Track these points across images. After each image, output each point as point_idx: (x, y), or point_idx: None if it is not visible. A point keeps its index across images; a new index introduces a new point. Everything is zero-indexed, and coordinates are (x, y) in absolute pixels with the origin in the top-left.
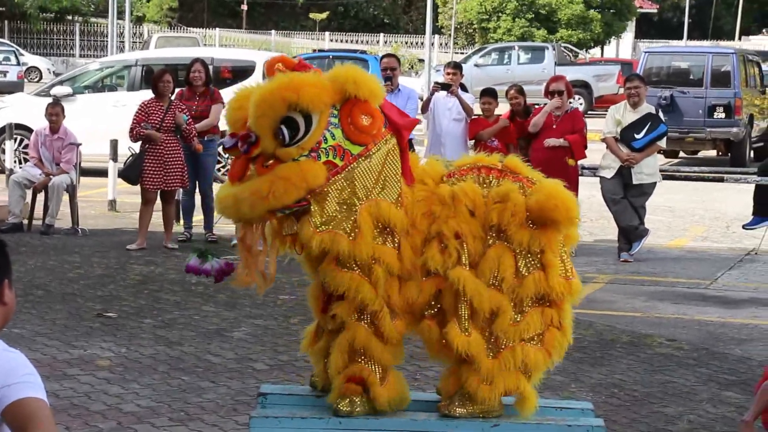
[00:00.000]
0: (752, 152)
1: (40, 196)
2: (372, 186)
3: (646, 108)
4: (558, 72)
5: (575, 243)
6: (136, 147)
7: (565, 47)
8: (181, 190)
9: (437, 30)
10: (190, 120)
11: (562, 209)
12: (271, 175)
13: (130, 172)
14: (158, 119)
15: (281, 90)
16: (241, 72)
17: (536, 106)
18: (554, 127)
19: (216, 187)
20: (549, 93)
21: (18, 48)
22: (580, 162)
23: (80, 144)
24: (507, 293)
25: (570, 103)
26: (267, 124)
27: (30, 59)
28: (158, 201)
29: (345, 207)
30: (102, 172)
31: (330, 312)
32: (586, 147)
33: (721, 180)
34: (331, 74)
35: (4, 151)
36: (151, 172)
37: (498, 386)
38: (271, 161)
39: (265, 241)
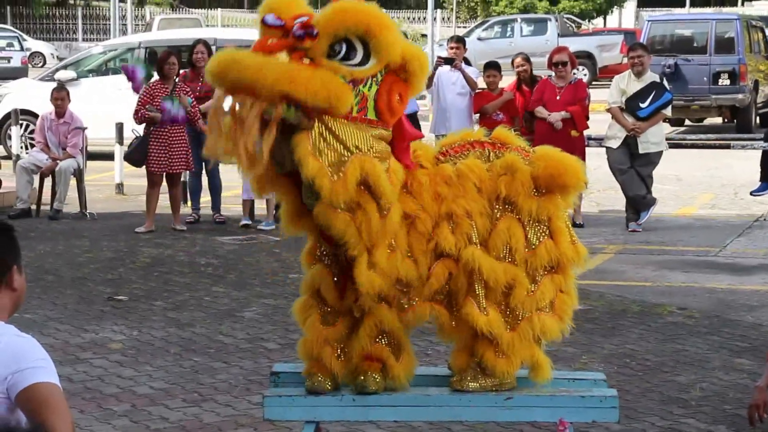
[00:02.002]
0: (758, 118)
1: (48, 181)
2: (366, 148)
3: (651, 77)
4: (561, 43)
5: (570, 207)
6: (140, 129)
7: (567, 18)
8: (187, 171)
9: (439, 4)
10: (194, 102)
11: (571, 173)
12: (314, 71)
13: (135, 155)
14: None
15: (371, 16)
16: None
17: (541, 78)
18: (558, 98)
19: (222, 167)
20: (552, 64)
21: (21, 33)
22: (586, 133)
23: (86, 128)
24: (520, 265)
25: (574, 74)
26: (334, 32)
27: (33, 44)
28: (165, 183)
29: (336, 149)
30: (108, 156)
31: (354, 300)
32: (588, 117)
33: (728, 147)
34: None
35: (10, 137)
36: (156, 154)
37: (516, 359)
38: (308, 60)
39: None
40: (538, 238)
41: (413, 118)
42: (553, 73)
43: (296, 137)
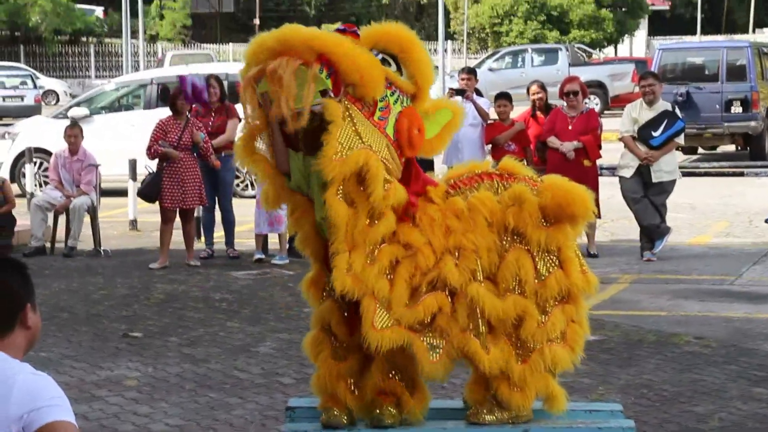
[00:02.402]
0: None
1: (62, 219)
2: (377, 149)
3: (663, 105)
4: (572, 73)
5: (580, 236)
6: (153, 165)
7: (578, 48)
8: (200, 207)
9: (450, 36)
10: (207, 138)
11: (579, 203)
12: (359, 48)
13: (149, 191)
14: (175, 137)
15: (407, 38)
16: None
17: (554, 107)
18: (570, 128)
19: (236, 201)
20: (564, 94)
21: (34, 71)
22: (598, 162)
23: (99, 165)
24: (530, 297)
25: (585, 103)
26: (373, 42)
27: (46, 82)
28: (178, 219)
29: (352, 136)
30: (122, 192)
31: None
32: (600, 147)
33: (741, 174)
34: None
35: (24, 175)
36: (170, 190)
37: (530, 391)
38: None
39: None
40: (547, 269)
41: None
42: (565, 103)
43: (328, 99)
